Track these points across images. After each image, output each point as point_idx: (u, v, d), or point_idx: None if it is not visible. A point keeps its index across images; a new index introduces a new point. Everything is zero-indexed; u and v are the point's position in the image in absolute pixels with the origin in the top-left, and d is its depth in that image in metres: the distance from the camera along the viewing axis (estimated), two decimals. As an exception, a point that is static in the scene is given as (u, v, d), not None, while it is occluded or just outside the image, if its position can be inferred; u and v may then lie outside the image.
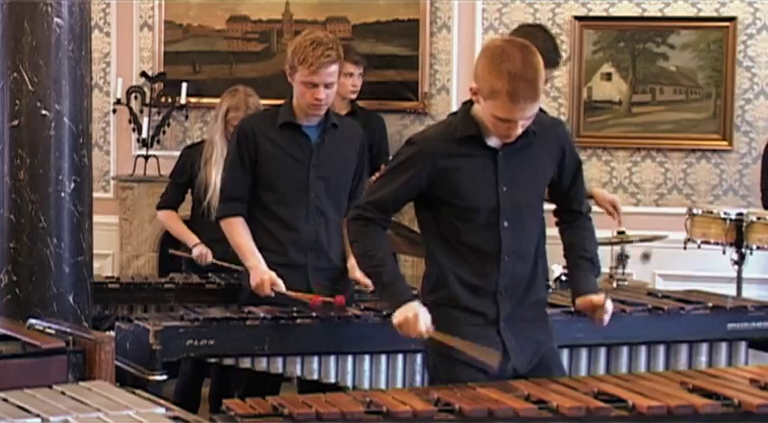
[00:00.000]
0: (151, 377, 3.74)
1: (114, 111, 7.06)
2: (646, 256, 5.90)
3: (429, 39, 6.75)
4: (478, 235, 3.33)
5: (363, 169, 4.38)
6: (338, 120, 4.36)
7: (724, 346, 4.23)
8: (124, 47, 7.16)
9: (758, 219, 5.45)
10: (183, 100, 6.92)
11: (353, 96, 6.16)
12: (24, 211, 4.12)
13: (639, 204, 6.58)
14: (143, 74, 7.08)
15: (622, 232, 5.81)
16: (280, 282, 4.10)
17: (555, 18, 6.59)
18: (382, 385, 3.91)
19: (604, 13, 6.61)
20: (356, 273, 4.16)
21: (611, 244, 5.85)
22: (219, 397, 3.73)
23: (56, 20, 4.11)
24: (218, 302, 4.62)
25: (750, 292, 5.63)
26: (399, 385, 3.91)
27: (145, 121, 6.97)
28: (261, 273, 4.12)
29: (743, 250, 5.47)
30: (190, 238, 5.21)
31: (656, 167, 6.60)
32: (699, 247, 5.62)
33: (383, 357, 3.93)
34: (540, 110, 4.54)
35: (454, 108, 5.75)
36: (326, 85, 4.13)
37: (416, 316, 3.26)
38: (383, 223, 3.43)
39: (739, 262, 5.51)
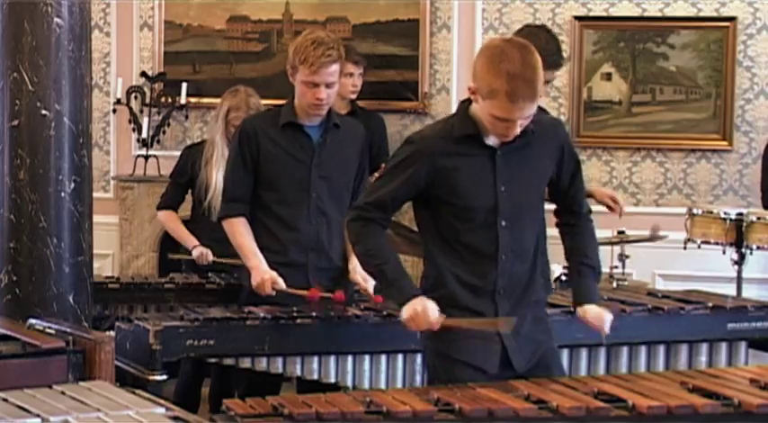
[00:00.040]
0: (151, 377, 3.74)
1: (114, 111, 7.06)
2: (655, 231, 5.90)
3: (429, 39, 6.75)
4: (476, 234, 3.33)
5: (365, 169, 4.38)
6: (340, 120, 4.36)
7: (724, 346, 4.24)
8: (124, 47, 7.16)
9: (758, 219, 5.45)
10: (183, 100, 6.92)
11: (353, 96, 6.16)
12: (24, 211, 4.12)
13: (639, 204, 6.58)
14: (143, 74, 7.08)
15: (622, 232, 5.82)
16: (280, 281, 4.11)
17: (555, 18, 6.59)
18: (382, 385, 3.91)
19: (604, 13, 6.61)
20: (357, 275, 4.17)
21: (611, 244, 5.85)
22: (219, 397, 3.73)
23: (56, 20, 4.11)
24: (218, 302, 4.62)
25: (750, 292, 5.63)
26: (399, 385, 3.91)
27: (145, 121, 6.97)
28: (262, 272, 4.12)
29: (743, 250, 5.47)
30: (189, 239, 5.21)
31: (656, 167, 6.60)
32: (699, 247, 5.62)
33: (383, 357, 3.94)
34: (542, 109, 4.57)
35: (454, 108, 5.74)
36: (328, 85, 4.13)
37: (425, 308, 3.26)
38: (383, 223, 3.43)
39: (739, 262, 5.52)
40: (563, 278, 5.26)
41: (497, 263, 3.34)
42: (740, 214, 5.49)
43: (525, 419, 2.94)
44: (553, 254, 3.71)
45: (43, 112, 4.11)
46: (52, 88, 4.12)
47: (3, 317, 3.92)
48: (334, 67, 4.12)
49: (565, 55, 6.27)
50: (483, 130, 3.31)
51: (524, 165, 3.36)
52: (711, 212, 5.60)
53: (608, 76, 6.61)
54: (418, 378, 3.90)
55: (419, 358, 3.87)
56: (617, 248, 5.88)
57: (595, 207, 4.71)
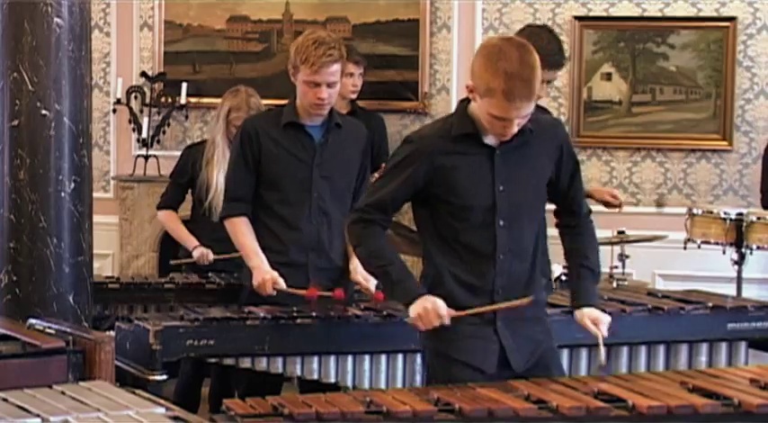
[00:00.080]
0: (151, 377, 3.74)
1: (114, 111, 7.06)
2: (660, 205, 5.89)
3: (429, 39, 6.75)
4: (474, 234, 3.33)
5: (367, 169, 4.38)
6: (342, 120, 4.37)
7: (724, 346, 4.23)
8: (124, 47, 7.16)
9: (758, 219, 5.45)
10: (183, 100, 6.93)
11: (354, 96, 6.17)
12: (24, 211, 4.12)
13: (639, 204, 6.58)
14: (143, 74, 7.08)
15: (622, 232, 5.82)
16: (281, 281, 4.11)
17: (555, 18, 6.59)
18: (382, 385, 3.91)
19: (604, 13, 6.61)
20: (358, 275, 4.17)
21: (611, 244, 5.85)
22: (219, 397, 3.73)
23: (56, 20, 4.11)
24: (218, 302, 4.62)
25: (750, 292, 5.63)
26: (399, 385, 3.91)
27: (145, 121, 6.97)
28: (263, 272, 4.13)
29: (743, 250, 5.47)
30: (189, 240, 5.21)
31: (656, 167, 6.60)
32: (699, 247, 5.62)
33: (383, 357, 3.94)
34: (543, 109, 4.57)
35: (454, 108, 5.75)
36: (329, 85, 4.14)
37: (435, 304, 3.26)
38: (384, 224, 3.43)
39: (739, 262, 5.51)
40: (563, 278, 5.26)
41: (496, 262, 3.34)
42: (740, 214, 5.49)
43: (525, 419, 2.94)
44: (554, 254, 3.71)
45: (43, 112, 4.11)
46: (52, 88, 4.11)
47: (3, 317, 3.91)
48: (336, 67, 4.13)
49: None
50: (481, 129, 3.31)
51: (523, 164, 3.36)
52: (711, 212, 5.60)
53: (608, 76, 6.61)
54: (418, 378, 3.90)
55: (419, 358, 3.86)
56: (617, 248, 5.89)
57: (595, 207, 4.71)
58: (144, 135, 6.94)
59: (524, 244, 3.38)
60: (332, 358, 3.90)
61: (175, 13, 7.10)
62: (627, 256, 5.88)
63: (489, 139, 3.33)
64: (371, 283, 4.11)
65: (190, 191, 5.32)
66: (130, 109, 7.01)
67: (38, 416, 2.44)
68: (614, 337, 4.05)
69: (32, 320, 3.37)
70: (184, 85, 6.92)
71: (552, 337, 3.48)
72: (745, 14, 6.43)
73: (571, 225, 3.53)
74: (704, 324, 4.23)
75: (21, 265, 4.12)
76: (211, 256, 5.11)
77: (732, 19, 6.41)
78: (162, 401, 2.58)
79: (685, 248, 5.68)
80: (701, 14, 6.48)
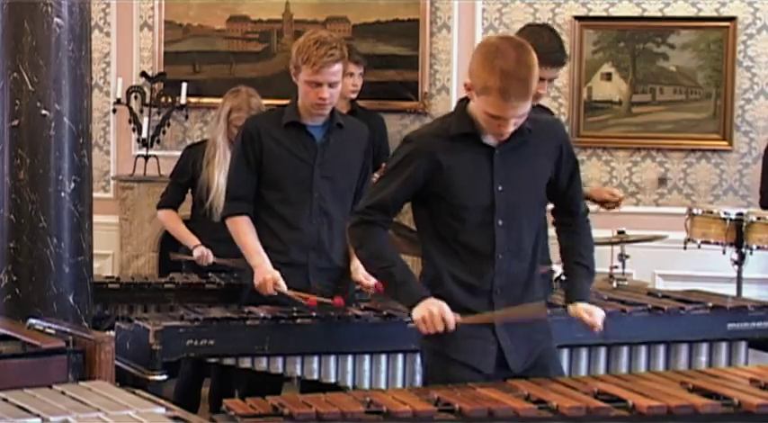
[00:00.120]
0: (151, 377, 3.74)
1: (114, 111, 7.06)
2: (662, 181, 5.89)
3: (429, 39, 6.75)
4: (473, 234, 3.33)
5: (369, 170, 4.38)
6: (344, 120, 4.37)
7: (724, 346, 4.23)
8: (124, 47, 7.16)
9: (758, 219, 5.45)
10: (183, 100, 6.93)
11: (354, 96, 6.17)
12: (24, 211, 4.12)
13: (639, 204, 6.58)
14: (143, 74, 7.08)
15: (622, 232, 5.82)
16: (282, 281, 4.11)
17: (555, 18, 6.59)
18: (382, 385, 3.91)
19: (604, 13, 6.61)
20: (359, 275, 4.17)
21: (611, 244, 5.85)
22: (219, 397, 3.73)
23: (56, 20, 4.11)
24: (218, 302, 4.62)
25: (750, 292, 5.63)
26: (399, 385, 3.91)
27: (145, 121, 6.97)
28: (264, 272, 4.13)
29: (743, 250, 5.47)
30: (190, 239, 5.21)
31: (656, 167, 6.60)
32: (699, 247, 5.62)
33: (383, 357, 3.94)
34: (545, 109, 4.57)
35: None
36: (330, 85, 4.14)
37: (441, 310, 3.25)
38: (385, 225, 3.43)
39: (739, 262, 5.52)
40: (563, 278, 5.25)
41: (494, 262, 3.34)
42: (740, 214, 5.49)
43: (525, 419, 2.94)
44: (555, 254, 3.71)
45: (43, 112, 4.11)
46: (52, 88, 4.11)
47: (3, 317, 3.91)
48: (337, 67, 4.13)
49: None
50: (480, 128, 3.31)
51: (522, 164, 3.36)
52: (711, 212, 5.60)
53: (608, 76, 6.61)
54: (418, 378, 3.89)
55: (419, 358, 3.86)
56: (617, 248, 5.89)
57: (594, 207, 4.72)
58: (144, 135, 6.94)
59: (523, 244, 3.38)
60: (332, 358, 3.90)
61: (175, 13, 7.10)
62: (627, 256, 5.88)
63: (488, 139, 3.32)
64: (372, 281, 4.10)
65: (190, 191, 5.32)
66: (130, 109, 7.01)
67: (38, 416, 2.44)
68: (614, 337, 4.08)
69: (32, 320, 3.37)
70: (184, 85, 6.92)
71: (552, 338, 3.48)
72: (745, 14, 6.43)
73: (568, 223, 3.53)
74: (704, 324, 4.23)
75: (21, 265, 4.12)
76: (211, 258, 5.10)
77: (732, 19, 6.41)
78: (162, 401, 2.58)
79: (685, 248, 5.68)
80: (701, 14, 6.48)
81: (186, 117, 7.06)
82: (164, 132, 7.01)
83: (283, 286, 4.10)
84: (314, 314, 3.97)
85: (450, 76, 6.74)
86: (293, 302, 4.07)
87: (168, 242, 6.08)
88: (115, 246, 6.97)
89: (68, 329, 3.21)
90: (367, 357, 3.92)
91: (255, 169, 4.25)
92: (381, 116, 6.46)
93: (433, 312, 3.25)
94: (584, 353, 4.07)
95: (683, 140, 6.55)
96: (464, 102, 3.37)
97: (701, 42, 6.47)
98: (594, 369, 4.08)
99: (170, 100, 6.96)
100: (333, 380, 3.89)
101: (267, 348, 3.85)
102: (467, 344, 3.33)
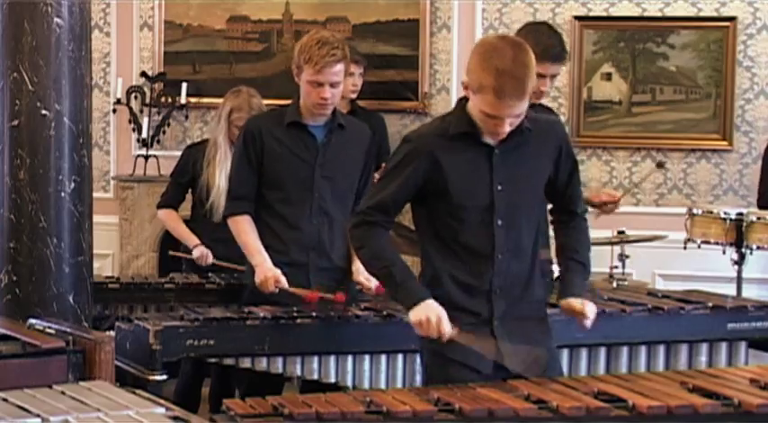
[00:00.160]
0: (151, 377, 3.74)
1: (114, 111, 7.06)
2: (660, 165, 5.89)
3: (429, 39, 6.76)
4: (472, 233, 3.33)
5: (371, 170, 4.39)
6: (345, 120, 4.37)
7: (724, 346, 4.23)
8: (124, 47, 7.16)
9: (758, 219, 5.45)
10: (183, 100, 6.93)
11: (354, 96, 6.17)
12: (24, 211, 4.12)
13: (639, 204, 6.58)
14: (143, 74, 7.08)
15: (622, 232, 5.82)
16: (283, 279, 4.12)
17: (555, 18, 6.59)
18: (382, 385, 3.91)
19: (604, 13, 6.61)
20: (360, 277, 4.17)
21: (611, 244, 5.85)
22: (219, 397, 3.73)
23: (56, 20, 4.11)
24: (218, 302, 4.62)
25: (750, 292, 5.63)
26: (399, 385, 3.91)
27: (145, 121, 6.97)
28: (266, 270, 4.14)
29: (743, 250, 5.46)
30: (190, 238, 5.21)
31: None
32: (699, 247, 5.62)
33: (383, 357, 3.94)
34: (546, 108, 4.57)
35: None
36: (332, 85, 4.15)
37: (440, 318, 3.24)
38: (386, 225, 3.43)
39: (739, 262, 5.51)
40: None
41: (494, 262, 3.33)
42: (740, 214, 5.48)
43: (525, 419, 2.94)
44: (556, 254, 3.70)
45: (43, 112, 4.11)
46: (52, 88, 4.11)
47: (3, 317, 3.91)
48: (339, 67, 4.14)
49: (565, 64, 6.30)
50: (480, 128, 3.31)
51: (521, 164, 3.35)
52: (711, 212, 5.60)
53: (608, 76, 6.61)
54: (418, 378, 3.89)
55: (419, 358, 3.86)
56: (617, 248, 5.89)
57: (595, 212, 4.71)
58: (144, 135, 6.94)
59: (523, 244, 3.37)
60: (332, 358, 3.90)
61: (175, 13, 7.10)
62: (627, 256, 5.88)
63: (487, 139, 3.32)
64: (373, 283, 4.11)
65: (190, 191, 5.32)
66: (130, 109, 7.01)
67: (38, 416, 2.44)
68: (614, 337, 4.08)
69: (32, 320, 3.37)
70: (184, 85, 6.92)
71: (551, 338, 3.47)
72: (745, 14, 6.43)
73: (566, 222, 3.52)
74: (704, 324, 4.22)
75: (21, 265, 4.12)
76: (211, 259, 5.10)
77: (732, 19, 6.41)
78: (162, 401, 2.58)
79: (685, 248, 5.68)
80: (701, 14, 6.48)
81: (186, 117, 7.06)
82: (164, 132, 7.01)
83: (285, 283, 4.11)
84: (314, 314, 3.97)
85: (450, 76, 6.74)
86: (294, 301, 4.07)
87: (168, 242, 6.08)
88: (115, 246, 6.97)
89: (68, 329, 3.21)
90: (367, 357, 3.92)
91: (257, 169, 4.26)
92: (381, 116, 6.46)
93: (430, 320, 3.24)
94: (584, 353, 4.07)
95: (683, 140, 6.55)
96: (463, 101, 3.37)
97: (700, 42, 6.47)
98: (594, 369, 4.08)
99: (170, 100, 6.96)
100: (333, 380, 3.89)
101: (267, 348, 3.85)
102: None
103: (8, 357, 3.04)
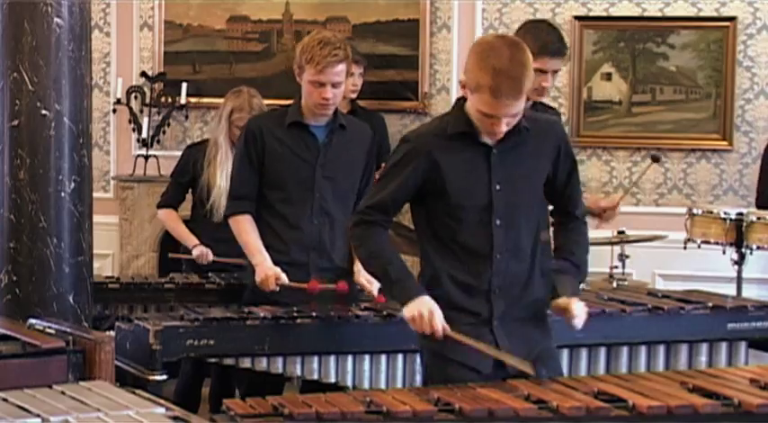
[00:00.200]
0: (151, 377, 3.74)
1: (114, 111, 7.06)
2: (656, 159, 5.89)
3: (429, 39, 6.76)
4: (471, 233, 3.33)
5: (372, 171, 4.39)
6: (347, 121, 4.38)
7: (724, 346, 4.23)
8: (124, 47, 7.16)
9: (758, 219, 5.45)
10: (183, 100, 6.93)
11: (354, 96, 6.17)
12: (24, 211, 4.12)
13: (639, 204, 6.58)
14: (143, 74, 7.08)
15: (622, 232, 5.82)
16: (284, 275, 4.13)
17: (555, 18, 6.58)
18: (382, 385, 3.91)
19: (604, 13, 6.61)
20: (361, 277, 4.18)
21: (611, 244, 5.85)
22: (219, 397, 3.73)
23: (56, 20, 4.11)
24: (218, 302, 4.62)
25: (750, 292, 5.63)
26: (399, 385, 3.91)
27: (145, 121, 6.97)
28: (266, 268, 4.15)
29: (743, 250, 5.47)
30: (189, 238, 5.21)
31: (657, 167, 6.58)
32: (699, 247, 5.62)
33: (383, 357, 3.94)
34: (548, 107, 4.56)
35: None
36: (334, 85, 4.15)
37: (432, 313, 3.24)
38: (385, 225, 3.44)
39: (739, 262, 5.51)
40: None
41: (492, 262, 3.33)
42: (740, 214, 5.48)
43: (525, 419, 2.94)
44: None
45: (43, 112, 4.11)
46: (52, 88, 4.11)
47: (3, 317, 3.91)
48: (341, 67, 4.14)
49: (565, 60, 6.30)
50: (478, 127, 3.31)
51: (520, 163, 3.35)
52: (711, 212, 5.60)
53: (608, 76, 6.61)
54: (418, 378, 3.89)
55: (419, 358, 3.86)
56: (617, 248, 5.89)
57: (596, 222, 4.70)
58: (144, 135, 6.94)
59: (522, 244, 3.37)
60: (332, 358, 3.90)
61: (175, 13, 7.10)
62: (627, 256, 5.88)
63: (485, 138, 3.33)
64: (375, 285, 4.11)
65: (190, 191, 5.32)
66: (130, 109, 7.01)
67: (38, 416, 2.44)
68: (614, 337, 4.08)
69: (32, 320, 3.37)
70: (184, 85, 6.92)
71: (551, 338, 3.47)
72: (745, 14, 6.43)
73: (564, 223, 3.52)
74: (704, 324, 4.22)
75: (21, 265, 4.12)
76: (211, 257, 5.11)
77: (732, 19, 6.41)
78: (162, 401, 2.58)
79: (685, 248, 5.68)
80: (701, 14, 6.48)
81: (186, 117, 7.06)
82: (164, 132, 7.01)
83: (285, 279, 4.12)
84: (314, 314, 3.97)
85: (450, 76, 6.74)
86: (294, 301, 4.07)
87: (168, 242, 6.08)
88: (115, 246, 6.97)
89: (68, 329, 3.21)
90: (367, 357, 3.92)
91: (258, 169, 4.27)
92: (382, 116, 6.47)
93: (423, 315, 3.25)
94: (584, 353, 4.07)
95: (683, 140, 6.55)
96: (461, 101, 3.38)
97: (701, 42, 6.47)
98: (594, 369, 4.08)
99: (170, 100, 6.96)
100: (333, 380, 3.89)
101: (267, 348, 3.85)
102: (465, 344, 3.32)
103: (8, 357, 3.04)
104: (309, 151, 4.26)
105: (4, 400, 2.57)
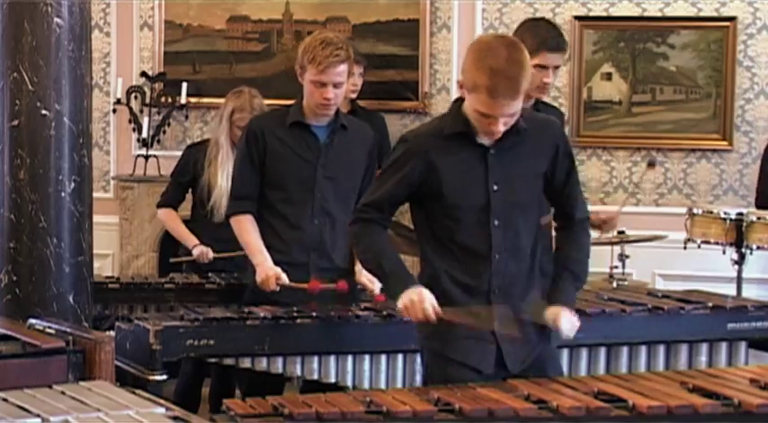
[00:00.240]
0: (151, 377, 3.74)
1: (114, 111, 7.06)
2: (652, 164, 5.87)
3: (429, 39, 6.75)
4: (469, 234, 3.33)
5: (374, 171, 4.39)
6: (348, 121, 4.38)
7: (724, 346, 4.23)
8: (124, 47, 7.16)
9: (758, 219, 5.45)
10: (183, 100, 6.92)
11: (354, 96, 6.17)
12: (24, 211, 4.12)
13: (639, 204, 6.58)
14: (143, 74, 7.08)
15: (622, 232, 5.81)
16: (284, 276, 4.13)
17: (555, 18, 6.58)
18: (382, 385, 3.91)
19: (604, 13, 6.61)
20: (362, 278, 4.18)
21: (611, 244, 5.84)
22: (219, 397, 3.74)
23: (56, 20, 4.11)
24: (218, 302, 4.62)
25: (750, 292, 5.63)
26: (399, 385, 3.91)
27: (145, 121, 6.97)
28: (267, 268, 4.15)
29: (743, 250, 5.46)
30: (189, 238, 5.21)
31: (657, 167, 6.59)
32: (699, 247, 5.62)
33: (383, 357, 3.94)
34: (550, 106, 4.56)
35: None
36: (335, 85, 4.16)
37: (422, 298, 3.26)
38: (382, 223, 3.45)
39: (739, 262, 5.51)
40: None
41: (491, 262, 3.33)
42: (740, 214, 5.48)
43: (525, 419, 2.94)
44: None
45: (43, 112, 4.11)
46: (52, 88, 4.11)
47: (3, 317, 3.91)
48: (343, 68, 4.15)
49: (565, 55, 6.29)
50: (475, 128, 3.31)
51: (517, 163, 3.35)
52: (711, 212, 5.60)
53: (608, 76, 6.61)
54: (418, 378, 3.89)
55: (419, 358, 3.86)
56: (617, 248, 5.88)
57: (596, 234, 4.68)
58: (144, 135, 6.94)
59: (521, 244, 3.37)
60: (332, 358, 3.90)
61: (175, 13, 7.10)
62: (627, 256, 5.88)
63: (482, 139, 3.33)
64: (376, 284, 4.12)
65: (191, 191, 5.32)
66: (130, 109, 7.01)
67: (38, 416, 2.44)
68: (614, 337, 4.08)
69: (32, 320, 3.37)
70: (184, 85, 6.92)
71: (551, 338, 3.47)
72: (745, 14, 6.43)
73: (564, 228, 3.50)
74: (704, 324, 4.22)
75: (21, 265, 4.12)
76: (211, 255, 5.11)
77: (732, 19, 6.41)
78: (162, 401, 2.58)
79: (685, 248, 5.68)
80: (701, 14, 6.48)
81: (186, 117, 7.05)
82: (164, 132, 7.01)
83: (285, 279, 4.13)
84: (314, 314, 3.97)
85: (450, 76, 6.73)
86: (294, 301, 4.07)
87: (168, 242, 6.08)
88: (115, 246, 6.97)
89: (68, 329, 3.21)
90: (367, 357, 3.92)
91: (259, 169, 4.27)
92: (382, 116, 6.46)
93: (413, 300, 3.26)
94: (584, 353, 4.07)
95: (683, 140, 6.55)
96: (459, 101, 3.38)
97: (701, 42, 6.47)
98: (594, 369, 4.08)
99: (170, 100, 6.96)
100: (333, 380, 3.89)
101: (267, 348, 3.85)
102: (466, 344, 3.33)
103: (8, 357, 3.04)
104: (311, 151, 4.26)
105: (4, 400, 2.57)
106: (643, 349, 4.14)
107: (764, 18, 6.42)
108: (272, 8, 6.97)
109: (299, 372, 3.89)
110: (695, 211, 5.67)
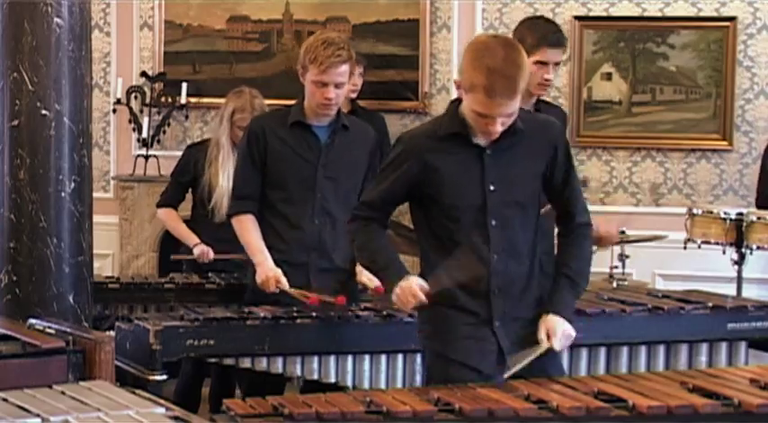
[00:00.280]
0: (151, 377, 3.74)
1: (114, 111, 7.06)
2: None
3: (429, 39, 6.76)
4: (468, 234, 3.33)
5: (375, 171, 4.38)
6: (350, 121, 4.38)
7: (724, 346, 4.24)
8: (124, 47, 7.16)
9: (758, 219, 5.44)
10: (183, 100, 6.93)
11: (354, 96, 6.17)
12: (24, 211, 4.12)
13: (639, 204, 6.58)
14: (143, 74, 7.08)
15: (622, 232, 5.81)
16: (284, 280, 4.12)
17: (555, 18, 6.57)
18: (382, 385, 3.91)
19: (604, 13, 6.61)
20: (363, 277, 4.18)
21: (611, 244, 5.84)
22: (219, 397, 3.74)
23: (56, 20, 4.11)
24: (219, 302, 4.63)
25: (750, 292, 5.63)
26: (399, 385, 3.91)
27: (145, 121, 6.97)
28: (267, 269, 4.15)
29: (743, 250, 5.46)
30: (190, 237, 5.21)
31: (656, 167, 6.60)
32: (699, 247, 5.62)
33: (383, 357, 3.94)
34: (552, 105, 4.56)
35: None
36: (337, 85, 4.16)
37: (408, 281, 3.27)
38: (380, 221, 3.46)
39: (739, 262, 5.51)
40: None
41: (490, 262, 3.33)
42: (740, 214, 5.48)
43: (525, 419, 2.94)
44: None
45: (43, 112, 4.11)
46: (52, 88, 4.12)
47: (3, 317, 3.91)
48: (344, 68, 4.15)
49: (565, 55, 6.29)
50: (471, 128, 3.31)
51: (514, 164, 3.35)
52: (711, 212, 5.60)
53: (608, 76, 6.61)
54: (418, 378, 3.90)
55: (419, 358, 3.86)
56: (617, 248, 5.88)
57: (596, 207, 4.70)
58: (144, 135, 6.94)
59: (519, 244, 3.36)
60: (332, 358, 3.90)
61: (175, 13, 7.10)
62: (627, 256, 5.88)
63: (478, 139, 3.32)
64: (375, 283, 4.10)
65: (191, 190, 5.32)
66: (130, 109, 7.01)
67: (38, 416, 2.44)
68: (614, 337, 4.08)
69: (32, 320, 3.37)
70: (184, 85, 6.92)
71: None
72: (745, 14, 6.43)
73: (565, 233, 3.48)
74: (704, 324, 4.23)
75: (21, 265, 4.12)
76: (212, 255, 5.11)
77: (732, 19, 6.41)
78: (162, 401, 2.58)
79: (685, 248, 5.68)
80: (701, 14, 6.48)
81: (186, 117, 7.06)
82: (164, 132, 7.01)
83: (285, 284, 4.12)
84: (314, 314, 3.97)
85: (450, 76, 6.73)
86: (294, 301, 4.07)
87: (168, 242, 6.07)
88: (115, 246, 6.97)
89: (68, 329, 3.21)
90: (367, 357, 3.93)
91: (260, 168, 4.28)
92: (382, 116, 6.46)
93: (402, 287, 3.27)
94: (584, 353, 4.07)
95: (683, 140, 6.55)
96: (456, 102, 3.38)
97: (701, 42, 6.47)
98: (594, 369, 4.08)
99: (170, 100, 6.96)
100: (333, 380, 3.90)
101: (267, 348, 3.85)
102: (466, 344, 3.33)
103: (8, 357, 3.04)
104: (311, 151, 4.26)
105: (4, 400, 2.57)
106: (643, 349, 4.14)
107: (764, 18, 6.42)
108: (272, 8, 6.97)
109: (299, 372, 3.89)
110: (695, 211, 5.66)
